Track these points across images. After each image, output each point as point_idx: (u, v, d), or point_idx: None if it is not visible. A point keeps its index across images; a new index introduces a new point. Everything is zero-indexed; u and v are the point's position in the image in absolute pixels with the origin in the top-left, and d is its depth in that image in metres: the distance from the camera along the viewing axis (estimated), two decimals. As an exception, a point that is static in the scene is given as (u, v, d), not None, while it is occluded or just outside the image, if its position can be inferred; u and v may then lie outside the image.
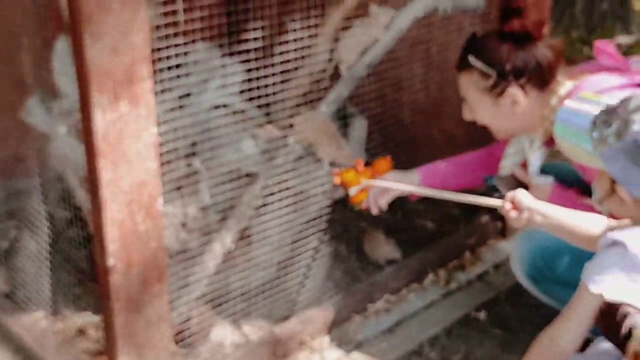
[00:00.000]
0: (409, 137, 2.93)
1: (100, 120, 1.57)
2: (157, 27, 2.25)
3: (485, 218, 2.68)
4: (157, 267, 1.77)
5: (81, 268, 1.95)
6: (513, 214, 1.79)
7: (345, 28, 2.26)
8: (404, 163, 2.69)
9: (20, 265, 2.09)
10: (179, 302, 2.01)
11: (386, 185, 2.15)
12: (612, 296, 1.36)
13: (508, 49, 1.93)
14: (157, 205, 1.72)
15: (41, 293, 2.02)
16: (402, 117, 2.95)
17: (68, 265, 1.94)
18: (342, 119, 2.43)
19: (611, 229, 1.49)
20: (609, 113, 1.41)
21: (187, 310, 2.06)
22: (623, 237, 1.39)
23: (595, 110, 1.46)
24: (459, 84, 2.09)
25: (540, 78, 1.95)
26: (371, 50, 2.17)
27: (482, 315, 2.36)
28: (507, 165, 2.15)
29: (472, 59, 1.98)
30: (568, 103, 1.57)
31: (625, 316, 1.32)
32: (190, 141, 2.18)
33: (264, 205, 2.16)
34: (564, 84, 1.98)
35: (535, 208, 1.74)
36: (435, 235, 2.70)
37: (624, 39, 4.97)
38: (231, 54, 2.22)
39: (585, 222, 1.64)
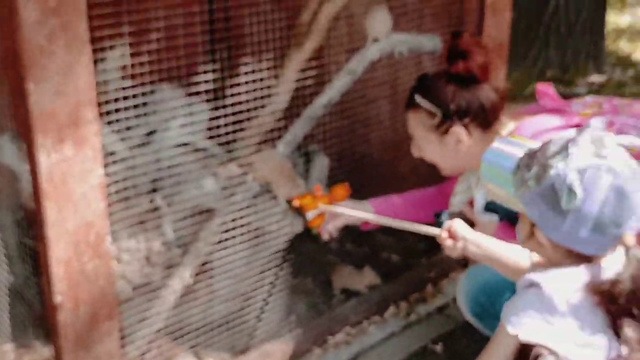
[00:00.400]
0: (378, 171, 2.88)
1: (45, 162, 1.51)
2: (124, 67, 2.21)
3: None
4: (106, 304, 1.70)
5: (35, 305, 1.87)
6: (449, 242, 1.77)
7: (305, 70, 2.22)
8: (372, 196, 2.65)
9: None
10: (138, 336, 1.94)
11: (341, 212, 2.09)
12: (526, 337, 1.29)
13: (453, 89, 1.89)
14: (104, 245, 1.66)
15: (2, 330, 1.95)
16: (371, 152, 2.90)
17: (23, 302, 1.87)
18: (305, 155, 2.38)
19: (534, 265, 1.41)
20: (530, 157, 1.34)
21: (146, 343, 1.99)
22: (539, 279, 1.32)
23: (520, 153, 1.39)
24: (408, 122, 2.05)
25: (483, 119, 1.90)
26: (327, 91, 2.11)
27: (439, 347, 2.27)
28: (456, 202, 2.10)
29: (418, 99, 1.94)
30: (495, 144, 1.51)
31: (537, 357, 1.25)
32: (152, 178, 2.13)
33: (224, 240, 2.09)
34: (507, 125, 1.93)
35: (469, 238, 1.72)
36: (400, 268, 2.62)
37: (596, 78, 4.92)
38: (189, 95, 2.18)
39: (515, 255, 1.59)
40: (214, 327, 2.16)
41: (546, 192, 1.29)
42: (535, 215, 1.32)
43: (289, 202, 2.11)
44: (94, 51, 1.64)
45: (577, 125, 1.85)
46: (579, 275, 1.29)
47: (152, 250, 2.17)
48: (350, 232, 2.77)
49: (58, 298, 1.61)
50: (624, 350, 1.24)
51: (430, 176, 2.59)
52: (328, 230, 2.14)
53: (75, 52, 1.49)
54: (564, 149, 1.29)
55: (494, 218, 1.93)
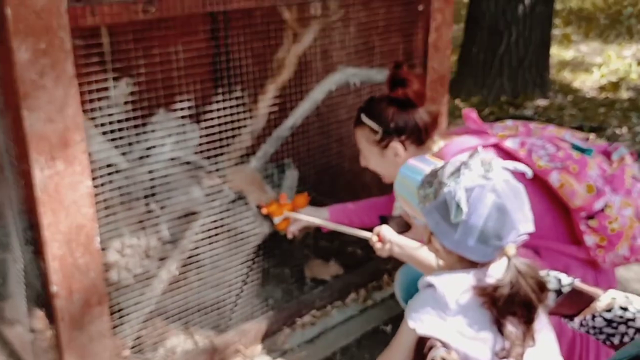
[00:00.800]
0: (348, 181, 2.82)
1: (39, 175, 1.47)
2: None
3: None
4: (96, 293, 1.66)
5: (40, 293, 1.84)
6: (378, 245, 1.74)
7: (278, 96, 2.17)
8: (345, 200, 2.60)
9: (9, 288, 2.00)
10: (131, 318, 1.90)
11: (300, 218, 2.04)
12: (423, 331, 1.22)
13: (393, 111, 1.84)
14: (94, 244, 1.61)
15: (21, 311, 1.91)
16: (343, 165, 2.85)
17: (32, 290, 1.83)
18: (278, 168, 2.33)
19: (440, 266, 1.35)
20: (432, 175, 1.28)
21: (138, 324, 1.95)
22: (434, 280, 1.25)
23: (428, 171, 1.33)
24: (356, 137, 1.98)
25: (417, 136, 1.85)
26: (291, 116, 2.06)
27: (388, 328, 2.21)
28: (398, 206, 2.03)
29: (364, 118, 1.89)
30: (411, 160, 1.45)
31: (431, 348, 1.19)
32: (149, 186, 2.09)
33: (208, 237, 2.05)
34: (438, 143, 1.87)
35: (394, 241, 1.67)
36: (363, 260, 2.56)
37: (541, 102, 4.83)
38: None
39: (428, 256, 1.53)
40: (200, 310, 2.12)
41: (440, 206, 1.23)
42: (432, 225, 1.27)
43: (258, 208, 2.07)
44: (89, 83, 1.62)
45: (494, 145, 1.80)
46: (467, 279, 1.23)
47: (150, 246, 2.14)
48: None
49: (54, 288, 1.57)
50: (507, 344, 1.18)
51: (389, 184, 2.55)
52: (291, 232, 2.09)
53: (63, 85, 1.45)
54: (457, 170, 1.23)
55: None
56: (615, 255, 1.70)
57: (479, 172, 1.21)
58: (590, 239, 1.68)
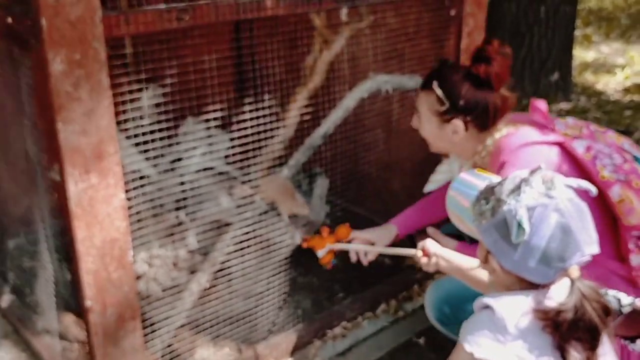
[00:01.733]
0: (375, 188, 2.78)
1: (73, 189, 1.44)
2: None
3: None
4: (129, 307, 1.62)
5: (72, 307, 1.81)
6: (424, 260, 1.67)
7: (309, 104, 2.13)
8: (372, 208, 2.54)
9: (38, 300, 1.97)
10: (162, 332, 1.86)
11: (345, 248, 1.98)
12: (481, 355, 1.16)
13: (467, 87, 1.70)
14: (127, 257, 1.58)
15: (51, 321, 1.88)
16: (370, 172, 2.80)
17: (65, 303, 1.81)
18: (309, 177, 2.29)
19: (492, 281, 1.29)
20: (488, 191, 1.23)
21: (169, 337, 1.91)
22: (492, 302, 1.19)
23: (483, 185, 1.28)
24: (417, 98, 1.85)
25: (483, 121, 1.72)
26: (324, 124, 2.01)
27: (421, 340, 2.16)
28: (436, 180, 1.95)
29: (434, 85, 1.74)
30: (463, 175, 1.39)
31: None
32: (178, 197, 2.06)
33: (240, 249, 2.01)
34: (501, 130, 1.75)
35: (440, 254, 1.61)
36: (392, 269, 2.51)
37: (564, 105, 4.75)
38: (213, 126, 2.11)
39: (478, 270, 1.47)
40: (231, 322, 2.08)
41: (499, 225, 1.17)
42: (490, 244, 1.21)
43: (303, 241, 2.01)
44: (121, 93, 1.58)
45: (558, 143, 1.69)
46: (527, 301, 1.17)
47: (179, 257, 2.10)
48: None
49: (88, 303, 1.54)
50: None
51: (417, 192, 2.50)
52: (366, 261, 2.01)
53: (98, 97, 1.42)
54: (517, 187, 1.18)
55: (451, 242, 1.81)
56: None
57: (540, 189, 1.15)
58: (636, 259, 1.61)
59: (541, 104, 1.76)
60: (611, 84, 5.21)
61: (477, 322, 1.20)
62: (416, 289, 2.42)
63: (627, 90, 4.99)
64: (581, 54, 6.09)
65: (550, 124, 1.74)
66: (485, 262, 1.25)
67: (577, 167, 1.64)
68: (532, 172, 1.19)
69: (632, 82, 5.19)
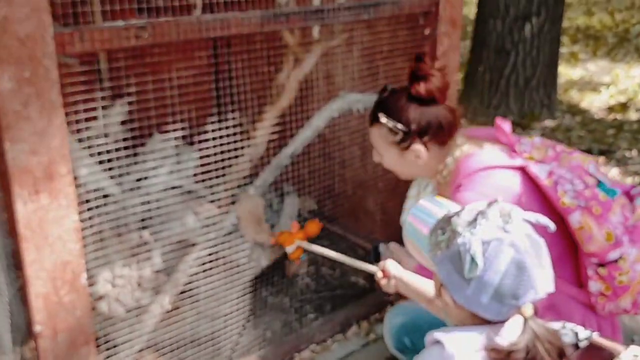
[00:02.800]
0: (351, 205, 2.74)
1: (22, 210, 1.39)
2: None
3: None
4: (82, 332, 1.56)
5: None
6: (383, 281, 1.65)
7: (279, 123, 2.10)
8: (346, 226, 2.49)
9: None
10: (120, 356, 1.81)
11: (313, 249, 1.94)
12: (430, 395, 1.11)
13: (414, 110, 1.66)
14: (81, 280, 1.52)
15: (6, 344, 1.82)
16: (346, 189, 2.77)
17: (19, 326, 1.74)
18: (280, 196, 2.25)
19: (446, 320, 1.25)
20: (445, 221, 1.18)
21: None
22: (443, 337, 1.14)
23: (441, 214, 1.23)
24: (370, 134, 1.80)
25: (441, 136, 1.68)
26: (292, 143, 1.97)
27: (391, 365, 2.11)
28: (408, 206, 1.90)
29: (383, 118, 1.70)
30: (422, 202, 1.35)
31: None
32: (142, 217, 2.01)
33: (205, 270, 1.96)
34: (462, 146, 1.70)
35: (399, 276, 1.58)
36: (365, 290, 2.46)
37: (549, 123, 4.73)
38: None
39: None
40: (194, 344, 2.02)
41: (453, 257, 1.13)
42: (444, 277, 1.16)
43: (271, 237, 1.97)
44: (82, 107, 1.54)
45: (519, 168, 1.64)
46: (479, 338, 1.13)
47: (143, 277, 2.05)
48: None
49: (38, 328, 1.49)
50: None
51: (394, 211, 2.46)
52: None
53: (49, 116, 1.37)
54: (474, 219, 1.13)
55: (412, 262, 1.75)
56: (615, 306, 1.60)
57: (497, 223, 1.11)
58: (595, 285, 1.58)
59: (505, 125, 1.71)
60: (596, 102, 5.21)
61: (427, 358, 1.15)
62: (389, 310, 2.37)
63: (611, 109, 4.99)
64: (568, 72, 6.10)
65: (512, 145, 1.70)
66: (439, 294, 1.20)
67: (538, 192, 1.61)
68: (490, 204, 1.15)
69: (617, 100, 5.19)
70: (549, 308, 1.58)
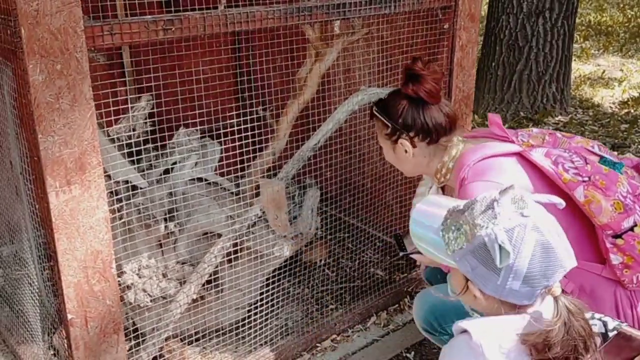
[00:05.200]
0: (369, 199, 2.72)
1: (54, 201, 1.39)
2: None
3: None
4: (112, 320, 1.56)
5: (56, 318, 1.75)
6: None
7: (301, 116, 2.08)
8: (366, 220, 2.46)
9: (25, 309, 1.91)
10: (147, 342, 1.81)
11: None
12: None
13: (403, 106, 1.68)
14: (110, 270, 1.52)
15: (36, 331, 1.83)
16: (365, 182, 2.75)
17: (49, 314, 1.75)
18: (301, 188, 2.23)
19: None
20: (457, 216, 1.15)
21: (157, 350, 1.85)
22: (469, 326, 1.12)
23: (442, 213, 1.20)
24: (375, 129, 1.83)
25: (426, 135, 1.69)
26: (314, 137, 1.96)
27: (411, 356, 2.09)
28: (416, 202, 1.88)
29: (375, 110, 1.75)
30: (419, 205, 1.29)
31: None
32: (168, 208, 2.01)
33: (229, 261, 1.96)
34: (458, 146, 1.70)
35: None
36: (384, 282, 2.45)
37: (561, 118, 4.68)
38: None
39: None
40: (218, 334, 2.02)
41: (477, 250, 1.11)
42: (468, 271, 1.14)
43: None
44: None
45: (517, 154, 1.63)
46: (508, 324, 1.11)
47: (168, 268, 2.05)
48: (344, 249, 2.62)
49: (69, 316, 1.49)
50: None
51: (409, 203, 2.44)
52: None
53: (80, 108, 1.37)
54: (489, 208, 1.11)
55: None
56: None
57: (514, 209, 1.10)
58: (616, 258, 1.55)
59: (496, 118, 1.72)
60: (608, 98, 5.15)
61: (454, 348, 1.14)
62: (407, 301, 2.36)
63: (624, 104, 4.92)
64: (579, 68, 6.03)
65: (507, 135, 1.70)
66: (464, 290, 1.17)
67: (540, 174, 1.59)
68: (501, 192, 1.13)
69: (630, 95, 5.13)
70: (579, 292, 1.57)
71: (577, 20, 7.69)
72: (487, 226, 1.09)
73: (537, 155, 1.61)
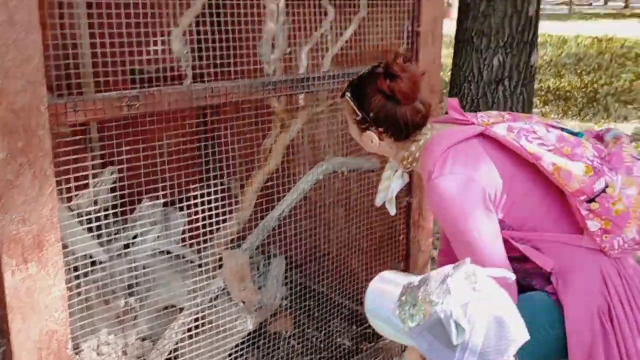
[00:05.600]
0: (335, 267, 2.72)
1: (10, 279, 1.36)
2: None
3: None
4: (67, 403, 1.51)
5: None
6: None
7: (266, 186, 2.11)
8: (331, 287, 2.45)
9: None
10: None
11: None
12: None
13: (377, 100, 1.65)
14: (66, 350, 1.48)
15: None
16: (330, 250, 2.76)
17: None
18: (266, 257, 2.23)
19: None
20: (412, 292, 1.16)
21: None
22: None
23: (397, 291, 1.20)
24: (343, 105, 1.79)
25: (395, 132, 1.68)
26: (278, 207, 1.98)
27: None
28: (382, 188, 1.89)
29: (348, 96, 1.71)
30: (374, 283, 1.28)
31: None
32: (128, 283, 1.97)
33: (190, 337, 1.92)
34: (426, 135, 1.70)
35: None
36: (352, 352, 2.42)
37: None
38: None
39: None
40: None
41: (433, 326, 1.12)
42: (424, 348, 1.14)
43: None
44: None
45: (480, 134, 1.65)
46: None
47: (128, 345, 2.00)
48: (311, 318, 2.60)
49: (21, 399, 1.43)
50: None
51: (378, 272, 2.44)
52: None
53: (40, 185, 1.36)
54: (444, 285, 1.13)
55: None
56: (624, 241, 1.53)
57: (466, 284, 1.12)
58: (593, 225, 1.52)
59: (454, 102, 1.75)
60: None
61: None
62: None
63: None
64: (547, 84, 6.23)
65: (466, 119, 1.72)
66: None
67: (506, 150, 1.60)
68: (455, 267, 1.16)
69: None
70: (561, 270, 1.56)
71: (537, 86, 8.02)
72: (441, 302, 1.11)
73: (500, 130, 1.62)
